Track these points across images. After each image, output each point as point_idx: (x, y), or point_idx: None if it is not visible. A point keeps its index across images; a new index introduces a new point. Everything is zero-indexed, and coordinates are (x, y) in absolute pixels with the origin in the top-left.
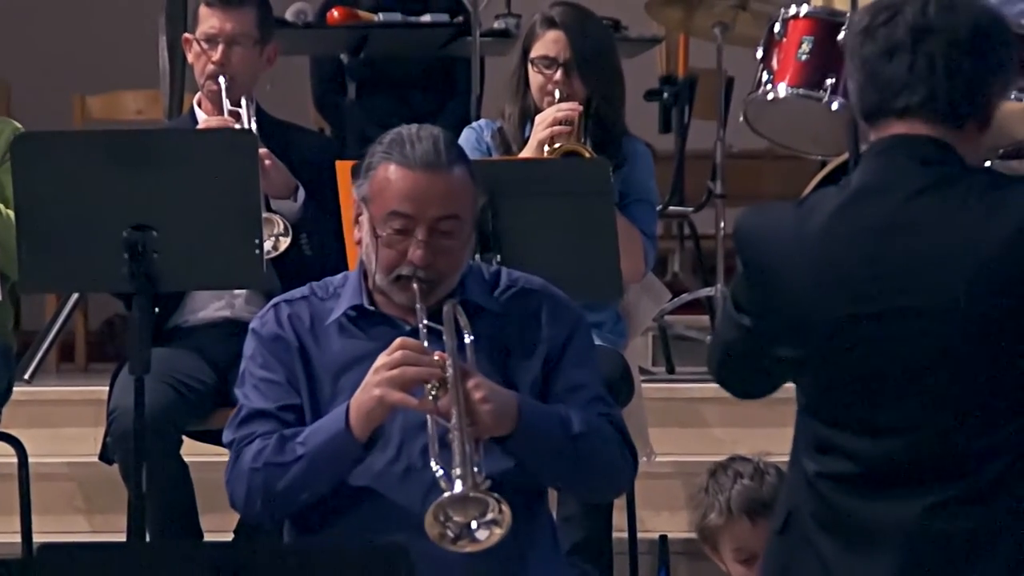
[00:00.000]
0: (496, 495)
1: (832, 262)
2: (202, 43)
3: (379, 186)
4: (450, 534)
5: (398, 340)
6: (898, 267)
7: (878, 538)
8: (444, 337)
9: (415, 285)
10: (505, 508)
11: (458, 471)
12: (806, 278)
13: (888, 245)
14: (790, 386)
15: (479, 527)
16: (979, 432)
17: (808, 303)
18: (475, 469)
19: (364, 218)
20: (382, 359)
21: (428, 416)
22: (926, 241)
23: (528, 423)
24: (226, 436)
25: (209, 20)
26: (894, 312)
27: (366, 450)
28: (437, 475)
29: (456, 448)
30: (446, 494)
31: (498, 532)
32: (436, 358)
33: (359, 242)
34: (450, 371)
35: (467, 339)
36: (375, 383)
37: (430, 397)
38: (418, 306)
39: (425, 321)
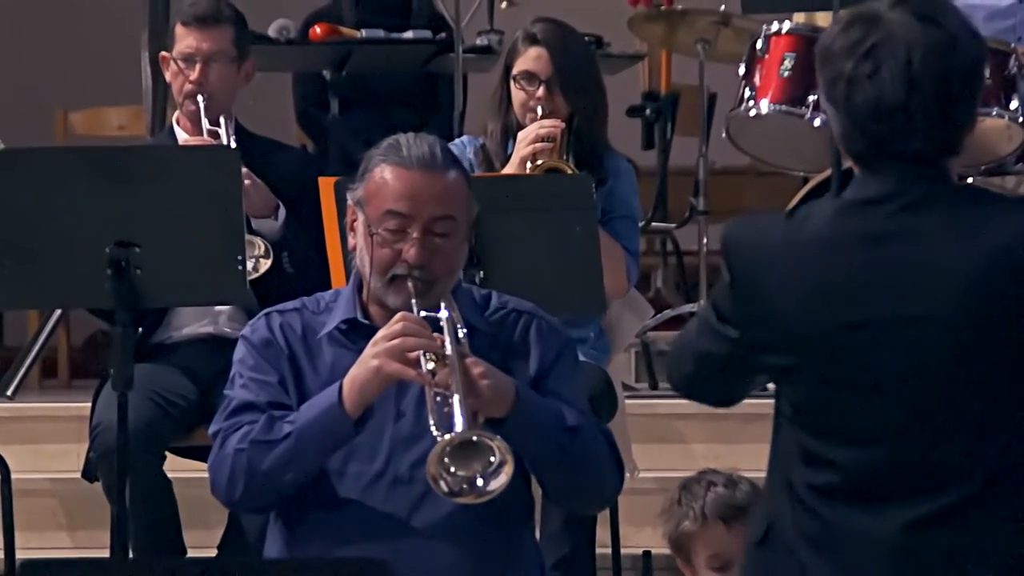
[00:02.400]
0: (497, 437)
1: (822, 271)
2: (179, 62)
3: (375, 186)
4: (444, 486)
5: (398, 315)
6: (887, 278)
7: (862, 551)
8: (442, 323)
9: (410, 284)
10: (503, 446)
11: (459, 424)
12: (795, 287)
13: (878, 256)
14: (769, 402)
15: (487, 480)
16: (964, 445)
17: (797, 312)
18: (476, 420)
19: (359, 223)
20: (381, 332)
21: (426, 389)
22: (915, 253)
23: (524, 406)
24: (212, 428)
25: (186, 39)
26: (882, 322)
27: (357, 427)
28: (438, 438)
29: (456, 408)
30: (446, 436)
31: (508, 471)
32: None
33: (354, 249)
34: (448, 348)
35: (461, 332)
36: (372, 354)
37: (427, 371)
38: (414, 301)
39: (423, 312)
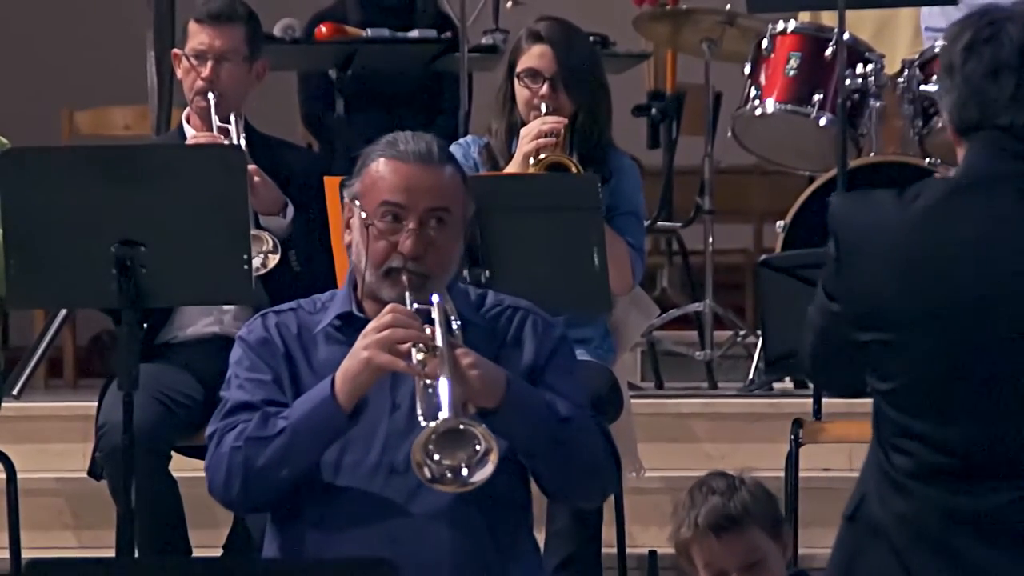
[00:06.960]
0: (482, 425)
1: (926, 248)
2: (191, 59)
3: (371, 180)
4: (428, 473)
5: (388, 307)
6: (992, 260)
7: (951, 530)
8: (433, 314)
9: (404, 277)
10: (488, 433)
11: (445, 410)
12: (899, 263)
13: (984, 238)
14: (786, 402)
15: (472, 470)
16: None
17: (899, 288)
18: (466, 410)
19: (355, 219)
20: (371, 324)
21: (416, 379)
22: (1020, 235)
23: (515, 397)
24: (208, 429)
25: (198, 36)
26: (983, 301)
27: (350, 420)
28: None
29: (442, 395)
30: (431, 423)
31: (492, 459)
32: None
33: (349, 245)
34: (439, 340)
35: (455, 324)
36: (363, 346)
37: (417, 361)
38: (407, 295)
39: (416, 305)
